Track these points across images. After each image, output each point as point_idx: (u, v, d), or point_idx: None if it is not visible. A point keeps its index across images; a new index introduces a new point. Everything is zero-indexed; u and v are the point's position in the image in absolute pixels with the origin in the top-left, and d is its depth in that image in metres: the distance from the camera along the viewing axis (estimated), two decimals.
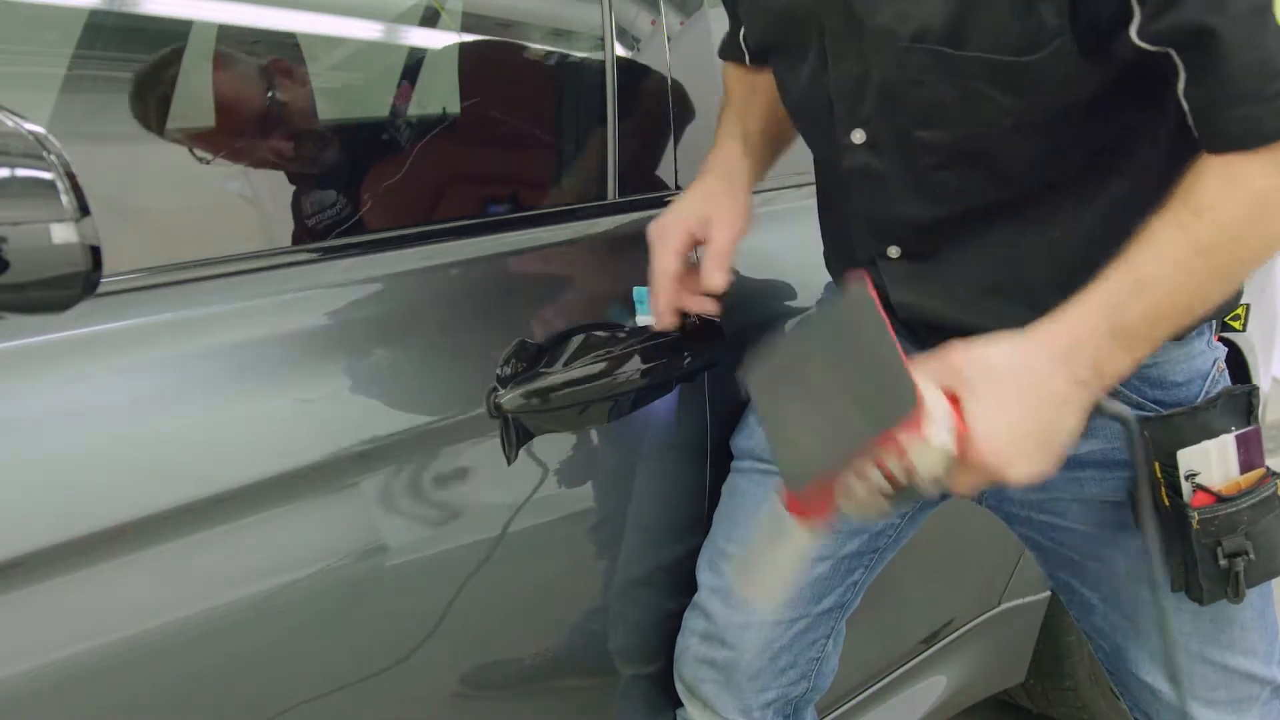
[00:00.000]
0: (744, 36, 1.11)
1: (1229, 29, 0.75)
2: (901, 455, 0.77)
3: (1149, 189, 0.90)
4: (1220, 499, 0.94)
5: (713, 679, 1.14)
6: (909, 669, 1.60)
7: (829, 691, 1.23)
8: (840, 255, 1.13)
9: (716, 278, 1.03)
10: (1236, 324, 1.80)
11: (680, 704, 1.20)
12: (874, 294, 0.79)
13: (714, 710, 1.15)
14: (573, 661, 1.14)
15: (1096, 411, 0.90)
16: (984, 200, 0.93)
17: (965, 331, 0.97)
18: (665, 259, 1.04)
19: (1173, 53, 0.79)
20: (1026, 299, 0.94)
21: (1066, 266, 0.93)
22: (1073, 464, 1.01)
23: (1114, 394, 0.99)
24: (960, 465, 0.79)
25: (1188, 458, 0.93)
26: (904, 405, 0.75)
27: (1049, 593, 1.81)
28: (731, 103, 1.16)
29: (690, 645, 1.16)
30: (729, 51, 1.17)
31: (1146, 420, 0.94)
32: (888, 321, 0.78)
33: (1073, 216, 0.92)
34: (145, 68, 0.91)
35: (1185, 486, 0.92)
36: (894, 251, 1.00)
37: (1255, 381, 1.99)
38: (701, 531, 1.19)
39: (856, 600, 1.18)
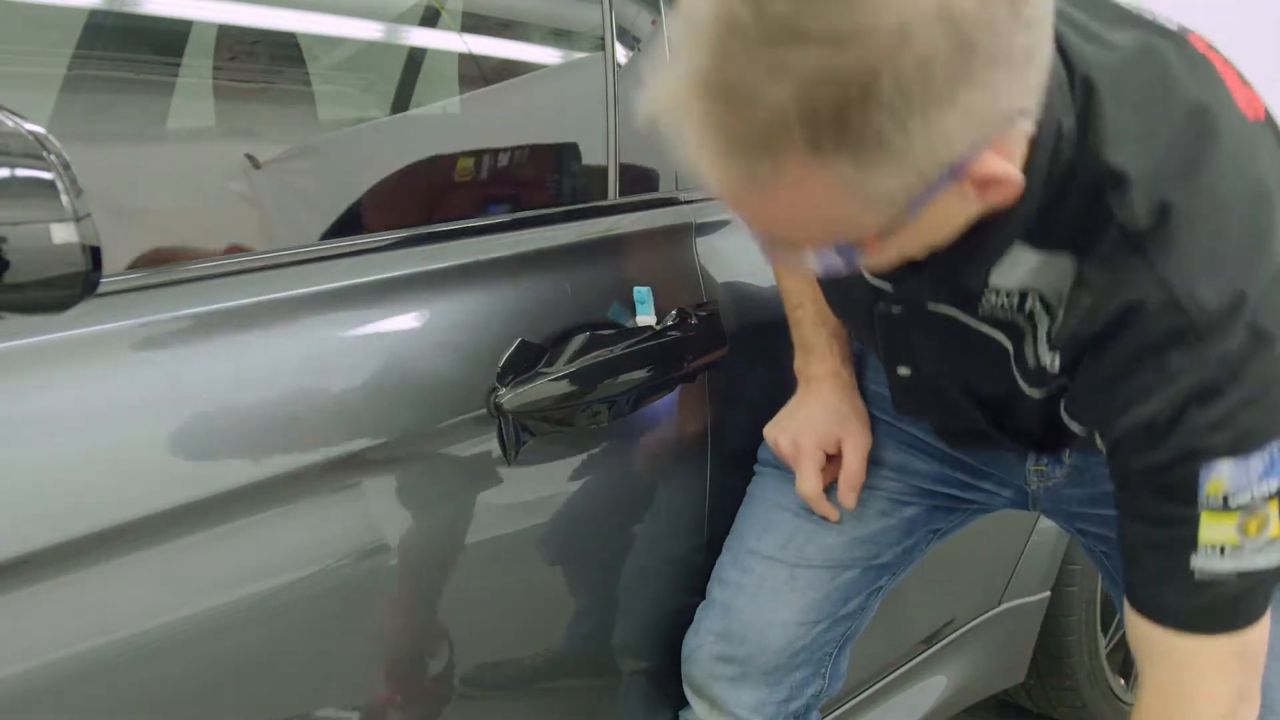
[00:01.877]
0: None
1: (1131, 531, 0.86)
2: None
3: None
4: None
5: (727, 676, 1.14)
6: (909, 669, 1.60)
7: None
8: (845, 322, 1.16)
9: (850, 498, 1.12)
10: None
11: (683, 704, 1.20)
12: None
13: (723, 709, 1.15)
14: (573, 661, 1.14)
15: None
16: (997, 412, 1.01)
17: (967, 432, 1.07)
18: (812, 481, 1.11)
19: None
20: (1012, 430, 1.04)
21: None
22: None
23: None
24: None
25: None
26: None
27: (1049, 593, 1.81)
28: (799, 301, 1.16)
29: (705, 644, 1.16)
30: None
31: None
32: None
33: None
34: None
35: None
36: (904, 371, 1.04)
37: None
38: (701, 531, 1.19)
39: (876, 604, 1.19)
